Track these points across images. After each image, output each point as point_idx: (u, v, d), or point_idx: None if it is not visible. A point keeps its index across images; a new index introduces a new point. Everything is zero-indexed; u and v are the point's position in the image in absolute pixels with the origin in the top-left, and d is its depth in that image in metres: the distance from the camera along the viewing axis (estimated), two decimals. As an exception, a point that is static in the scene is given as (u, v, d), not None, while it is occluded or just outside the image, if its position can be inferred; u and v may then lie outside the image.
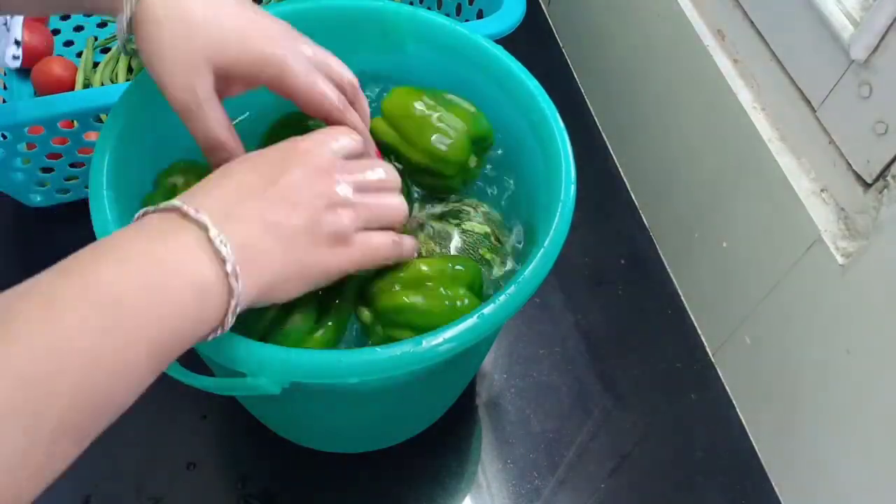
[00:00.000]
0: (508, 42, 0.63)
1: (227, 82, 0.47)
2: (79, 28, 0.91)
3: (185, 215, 0.38)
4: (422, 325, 0.45)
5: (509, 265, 0.54)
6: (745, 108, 0.61)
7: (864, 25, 0.48)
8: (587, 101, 0.90)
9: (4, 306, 0.32)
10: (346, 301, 0.48)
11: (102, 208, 0.46)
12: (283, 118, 0.56)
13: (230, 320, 0.38)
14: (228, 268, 0.37)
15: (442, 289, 0.47)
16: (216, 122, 0.46)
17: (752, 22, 0.61)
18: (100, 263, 0.35)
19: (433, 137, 0.52)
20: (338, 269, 0.44)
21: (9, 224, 0.75)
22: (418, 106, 0.53)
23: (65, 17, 0.92)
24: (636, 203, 0.82)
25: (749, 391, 0.66)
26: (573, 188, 0.49)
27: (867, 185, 0.51)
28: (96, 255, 0.36)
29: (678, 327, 0.73)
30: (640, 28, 0.76)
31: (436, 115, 0.53)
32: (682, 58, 0.69)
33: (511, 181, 0.58)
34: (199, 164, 0.51)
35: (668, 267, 0.77)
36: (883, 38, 0.48)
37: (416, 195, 0.57)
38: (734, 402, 0.68)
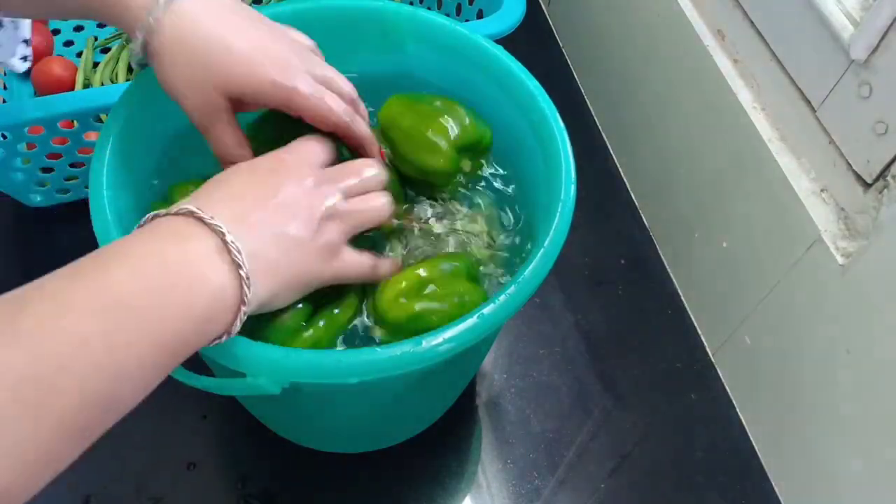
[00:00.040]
0: (508, 42, 0.63)
1: (241, 102, 0.48)
2: (79, 28, 0.91)
3: (199, 220, 0.39)
4: (440, 325, 0.45)
5: (503, 263, 0.54)
6: (745, 108, 0.61)
7: (864, 25, 0.48)
8: (587, 101, 0.90)
9: (14, 304, 0.33)
10: (341, 302, 0.48)
11: (102, 208, 0.46)
12: (265, 113, 0.56)
13: (237, 326, 0.39)
14: (243, 274, 0.38)
15: (446, 286, 0.47)
16: (230, 140, 0.48)
17: (752, 22, 0.61)
18: (111, 266, 0.36)
19: (419, 151, 0.53)
20: (329, 278, 0.45)
21: (9, 224, 0.75)
22: (407, 118, 0.54)
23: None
24: (636, 203, 0.82)
25: (749, 391, 0.66)
26: (573, 188, 0.49)
27: (867, 185, 0.51)
28: (108, 256, 0.36)
29: (678, 327, 0.73)
30: (640, 28, 0.77)
31: (423, 126, 0.53)
32: (682, 58, 0.69)
33: (511, 181, 0.58)
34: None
35: (668, 267, 0.77)
36: (883, 38, 0.48)
37: (409, 194, 0.57)
38: (734, 402, 0.68)
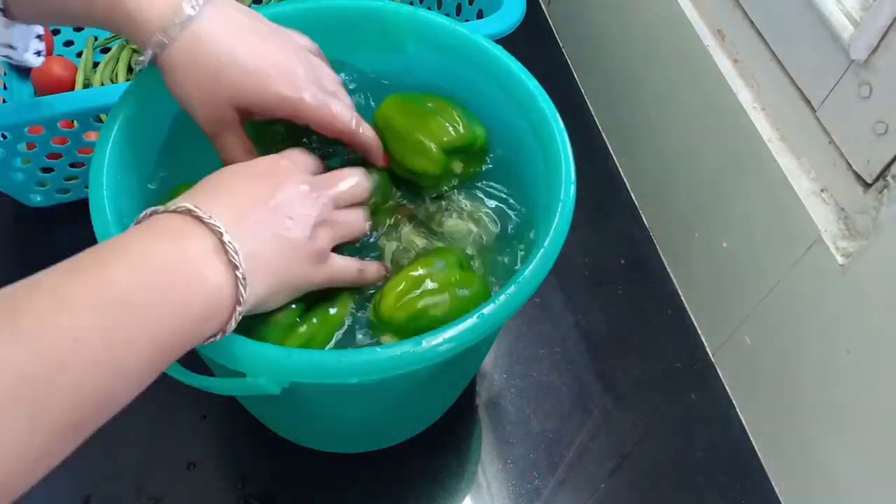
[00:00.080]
0: (508, 42, 0.63)
1: (249, 111, 0.49)
2: (79, 28, 0.91)
3: (198, 219, 0.39)
4: (445, 319, 0.45)
5: (501, 264, 0.54)
6: (745, 107, 0.61)
7: (864, 25, 0.48)
8: (587, 101, 0.90)
9: (13, 299, 0.33)
10: (334, 301, 0.49)
11: (102, 208, 0.46)
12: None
13: (232, 325, 0.39)
14: (239, 274, 0.38)
15: (442, 280, 0.48)
16: (237, 147, 0.50)
17: (752, 22, 0.61)
18: (110, 262, 0.36)
19: (409, 153, 0.54)
20: (319, 281, 0.46)
21: (9, 224, 0.75)
22: (399, 119, 0.55)
23: (65, 17, 0.92)
24: (636, 203, 0.82)
25: (749, 391, 0.66)
26: (573, 188, 0.49)
27: (867, 185, 0.51)
28: (107, 253, 0.37)
29: (678, 327, 0.73)
30: (640, 28, 0.77)
31: (414, 129, 0.54)
32: (682, 58, 0.69)
33: (511, 181, 0.58)
34: None
35: (668, 267, 0.77)
36: (883, 38, 0.48)
37: (399, 196, 0.57)
38: (734, 402, 0.68)
